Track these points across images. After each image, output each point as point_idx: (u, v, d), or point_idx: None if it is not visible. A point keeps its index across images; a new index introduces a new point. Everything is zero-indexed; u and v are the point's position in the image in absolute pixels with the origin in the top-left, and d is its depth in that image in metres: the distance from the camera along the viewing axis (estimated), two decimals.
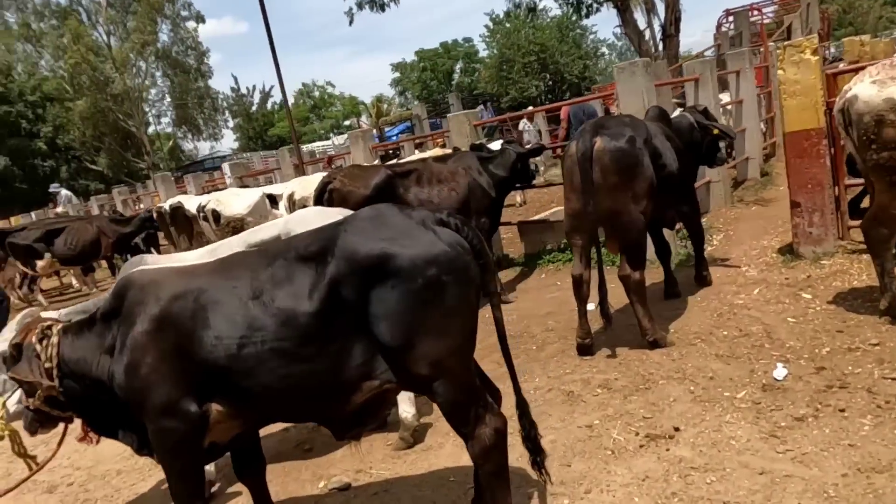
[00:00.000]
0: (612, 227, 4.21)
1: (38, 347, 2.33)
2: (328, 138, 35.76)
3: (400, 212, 2.31)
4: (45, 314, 2.63)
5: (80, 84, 28.95)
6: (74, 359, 2.40)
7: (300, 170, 9.51)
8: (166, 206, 7.29)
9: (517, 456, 2.82)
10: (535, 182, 6.62)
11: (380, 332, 2.15)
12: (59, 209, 16.49)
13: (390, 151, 9.24)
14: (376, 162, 7.94)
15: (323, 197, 5.27)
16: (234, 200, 6.28)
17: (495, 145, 6.27)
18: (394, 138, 12.96)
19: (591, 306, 4.44)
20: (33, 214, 19.01)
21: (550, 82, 32.79)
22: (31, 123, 29.02)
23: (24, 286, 11.70)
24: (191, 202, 6.97)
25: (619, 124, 4.16)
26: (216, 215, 6.14)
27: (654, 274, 5.23)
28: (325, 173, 6.11)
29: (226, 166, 10.49)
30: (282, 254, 2.32)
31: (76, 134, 31.09)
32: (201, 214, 6.27)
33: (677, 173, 4.46)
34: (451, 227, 2.24)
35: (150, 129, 36.13)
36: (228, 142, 48.25)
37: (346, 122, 43.45)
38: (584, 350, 4.29)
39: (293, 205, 5.90)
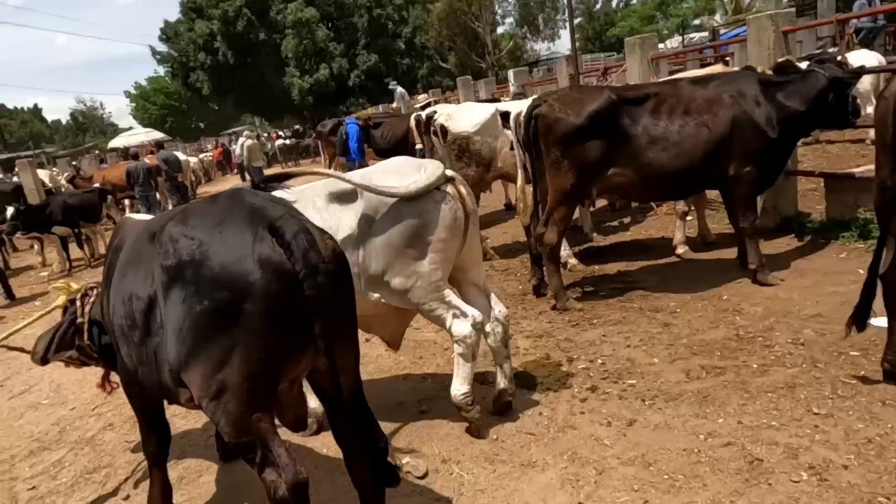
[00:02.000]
0: None
1: (78, 304, 2.49)
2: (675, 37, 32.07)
3: (240, 205, 1.95)
4: None
5: None
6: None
7: (576, 81, 8.52)
8: (423, 113, 7.34)
9: None
10: (855, 122, 4.50)
11: (167, 344, 1.96)
12: (394, 105, 18.74)
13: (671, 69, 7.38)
14: (653, 78, 6.51)
15: (529, 125, 4.47)
16: (464, 116, 5.88)
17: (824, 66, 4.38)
18: (728, 47, 10.52)
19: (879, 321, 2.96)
20: (380, 107, 22.16)
21: None
22: (395, 25, 33.19)
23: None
24: (443, 111, 6.83)
25: None
26: (444, 131, 5.88)
27: None
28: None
29: (510, 73, 10.09)
30: (139, 238, 2.19)
31: (432, 34, 34.48)
32: (431, 128, 6.10)
33: None
34: (279, 237, 1.82)
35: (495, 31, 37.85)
36: (565, 41, 47.47)
37: (696, 21, 38.23)
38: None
39: (518, 126, 5.22)
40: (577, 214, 6.71)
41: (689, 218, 5.68)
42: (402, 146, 13.26)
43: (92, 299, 2.78)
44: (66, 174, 18.39)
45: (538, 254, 4.79)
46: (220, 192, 2.18)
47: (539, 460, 2.86)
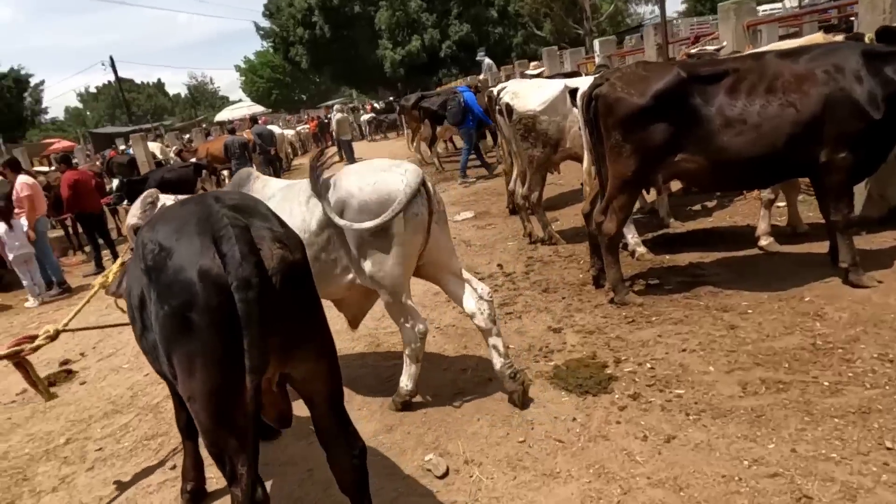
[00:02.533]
0: None
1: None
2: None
3: (200, 212, 1.91)
4: None
5: None
6: None
7: (663, 52, 7.86)
8: (495, 90, 7.09)
9: None
10: None
11: None
12: (481, 76, 18.40)
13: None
14: (749, 48, 5.85)
15: (589, 106, 4.16)
16: (531, 94, 5.59)
17: None
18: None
19: None
20: (469, 79, 21.86)
21: None
22: None
23: (431, 147, 13.77)
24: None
25: None
26: (509, 109, 5.63)
27: None
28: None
29: (596, 43, 9.51)
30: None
31: (528, 1, 33.39)
32: (497, 107, 5.86)
33: None
34: (218, 248, 1.78)
35: None
36: (675, 4, 44.38)
37: None
38: None
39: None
40: (653, 197, 6.28)
41: (778, 205, 5.13)
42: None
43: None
44: (174, 147, 19.78)
45: (598, 242, 4.51)
46: (193, 196, 2.16)
47: (563, 471, 2.71)
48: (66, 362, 5.50)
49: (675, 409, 2.99)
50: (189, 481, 2.95)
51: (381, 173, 3.16)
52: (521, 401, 3.27)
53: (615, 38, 10.43)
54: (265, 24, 38.03)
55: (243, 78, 61.89)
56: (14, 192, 8.02)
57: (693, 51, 6.04)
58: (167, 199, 3.23)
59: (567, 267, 5.43)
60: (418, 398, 3.56)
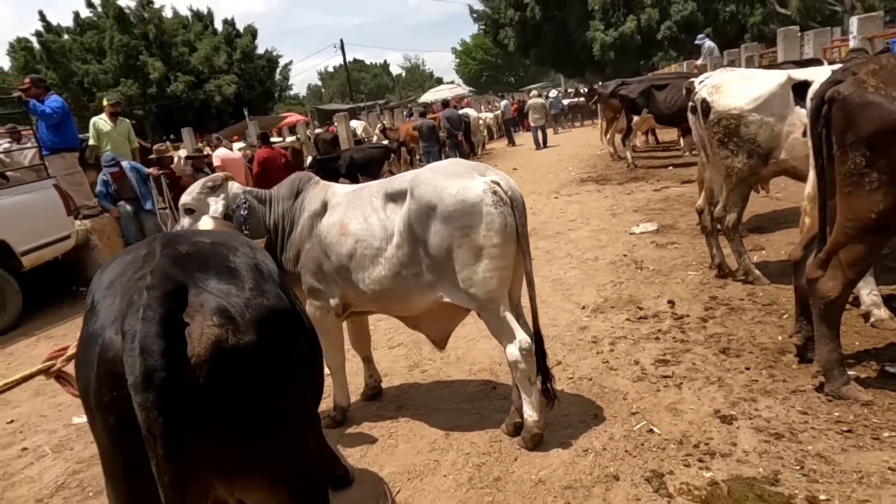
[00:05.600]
0: None
1: None
2: None
3: (140, 265, 1.41)
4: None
5: None
6: None
7: None
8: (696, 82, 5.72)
9: None
10: None
11: None
12: (699, 62, 16.09)
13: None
14: None
15: (821, 109, 2.87)
16: (737, 87, 4.22)
17: None
18: None
19: None
20: (685, 64, 19.44)
21: None
22: None
23: (625, 140, 12.37)
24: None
25: None
26: (706, 107, 4.34)
27: None
28: None
29: (853, 21, 7.40)
30: None
31: None
32: (690, 104, 4.58)
33: None
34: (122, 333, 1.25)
35: None
36: None
37: None
38: None
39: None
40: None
41: None
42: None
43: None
44: (378, 125, 20.82)
45: (807, 302, 3.21)
46: (152, 238, 1.61)
47: None
48: None
49: None
50: None
51: (462, 179, 2.83)
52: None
53: (882, 15, 7.89)
54: (479, 6, 38.48)
55: (458, 60, 64.11)
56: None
57: None
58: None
59: (762, 320, 4.10)
60: (524, 473, 2.79)
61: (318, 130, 21.14)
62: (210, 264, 1.43)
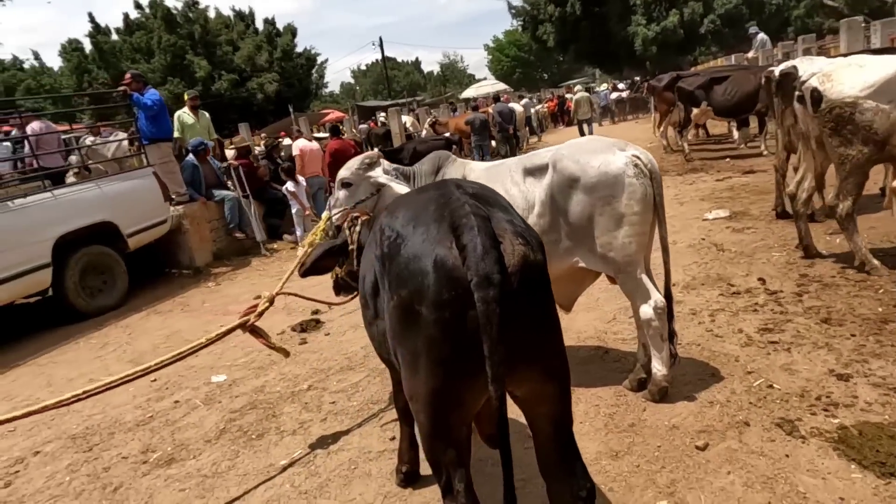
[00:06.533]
0: None
1: (347, 232, 2.54)
2: None
3: None
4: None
5: None
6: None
7: None
8: (776, 70, 5.91)
9: None
10: None
11: None
12: (751, 53, 16.07)
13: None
14: None
15: None
16: (851, 74, 4.34)
17: None
18: None
19: None
20: (733, 58, 19.34)
21: None
22: None
23: (682, 132, 12.49)
24: (809, 68, 5.37)
25: None
26: (816, 96, 4.49)
27: None
28: None
29: None
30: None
31: None
32: (797, 93, 4.75)
33: None
34: None
35: None
36: None
37: None
38: None
39: None
40: None
41: None
42: (747, 106, 11.41)
43: (358, 228, 2.94)
44: (427, 119, 21.21)
45: None
46: (434, 182, 1.98)
47: None
48: (316, 311, 6.13)
49: None
50: (404, 463, 2.94)
51: (604, 154, 3.13)
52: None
53: None
54: (517, 2, 38.61)
55: (490, 56, 64.29)
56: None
57: None
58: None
59: (858, 294, 4.31)
60: (650, 427, 3.09)
61: (361, 126, 21.61)
62: (492, 202, 1.78)
